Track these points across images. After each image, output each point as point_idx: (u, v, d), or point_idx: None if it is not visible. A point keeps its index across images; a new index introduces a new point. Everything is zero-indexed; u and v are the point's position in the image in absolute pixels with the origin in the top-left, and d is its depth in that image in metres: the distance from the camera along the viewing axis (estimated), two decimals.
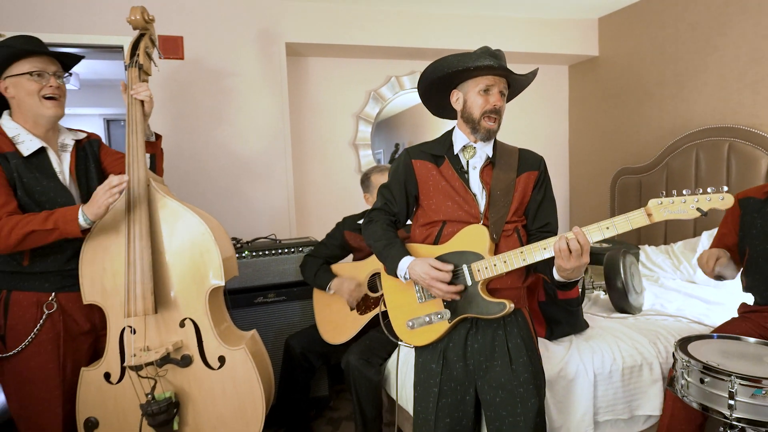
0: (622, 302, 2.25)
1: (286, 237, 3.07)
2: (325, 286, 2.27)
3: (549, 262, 1.44)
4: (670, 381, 1.62)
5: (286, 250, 2.59)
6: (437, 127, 3.59)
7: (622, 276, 2.24)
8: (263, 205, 3.13)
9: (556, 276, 1.44)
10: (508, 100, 1.60)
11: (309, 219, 3.49)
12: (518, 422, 1.49)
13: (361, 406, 2.03)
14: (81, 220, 1.53)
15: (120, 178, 1.51)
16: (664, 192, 1.30)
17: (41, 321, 1.61)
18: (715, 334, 1.65)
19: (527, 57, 3.85)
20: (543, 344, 1.92)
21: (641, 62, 3.41)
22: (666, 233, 3.22)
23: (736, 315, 1.91)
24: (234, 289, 2.46)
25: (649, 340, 1.93)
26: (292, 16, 3.15)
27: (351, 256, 2.46)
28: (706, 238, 2.72)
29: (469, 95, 1.53)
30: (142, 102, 1.71)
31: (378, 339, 2.10)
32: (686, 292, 2.49)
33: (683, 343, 1.58)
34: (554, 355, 1.85)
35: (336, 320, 2.27)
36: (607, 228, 1.32)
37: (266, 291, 2.54)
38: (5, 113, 1.63)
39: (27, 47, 1.58)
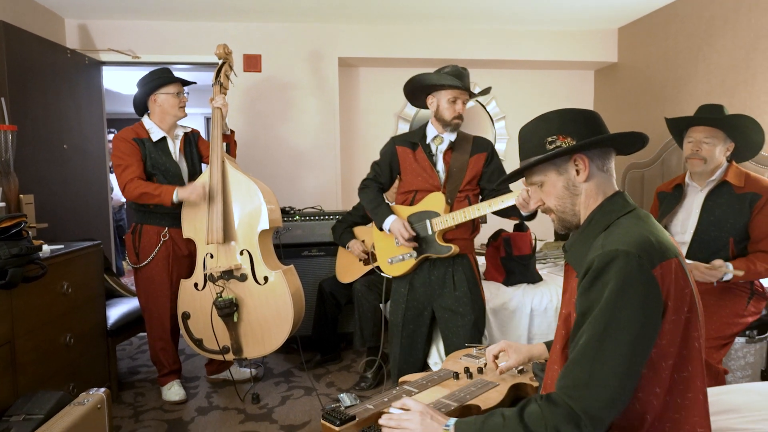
0: None
1: (332, 209, 3.89)
2: (345, 244, 3.06)
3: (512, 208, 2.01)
4: None
5: (327, 217, 3.40)
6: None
7: None
8: (316, 184, 4.00)
9: (523, 213, 1.98)
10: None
11: (355, 196, 4.27)
12: (459, 330, 2.17)
13: (361, 321, 2.79)
14: (174, 197, 2.45)
15: (203, 194, 2.46)
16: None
17: (159, 245, 2.56)
18: None
19: (553, 64, 4.34)
20: (497, 286, 2.55)
21: (650, 68, 3.80)
22: None
23: None
24: (287, 244, 3.30)
25: None
26: (344, 36, 3.96)
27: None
28: None
29: (441, 102, 2.18)
30: (219, 108, 2.61)
31: (380, 276, 2.85)
32: None
33: None
34: (503, 293, 2.48)
35: (347, 266, 3.07)
36: (502, 201, 1.96)
37: (311, 247, 3.37)
38: (146, 115, 2.61)
39: (172, 78, 2.56)
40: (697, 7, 3.32)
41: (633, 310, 0.97)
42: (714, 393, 1.36)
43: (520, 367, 1.46)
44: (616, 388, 0.96)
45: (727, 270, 1.94)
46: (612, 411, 0.97)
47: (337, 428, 1.19)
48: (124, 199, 5.47)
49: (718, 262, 1.96)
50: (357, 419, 1.22)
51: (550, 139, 1.16)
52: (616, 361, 0.96)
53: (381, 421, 1.16)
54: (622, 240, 1.03)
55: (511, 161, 4.49)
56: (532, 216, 2.05)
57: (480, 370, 1.47)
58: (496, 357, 1.47)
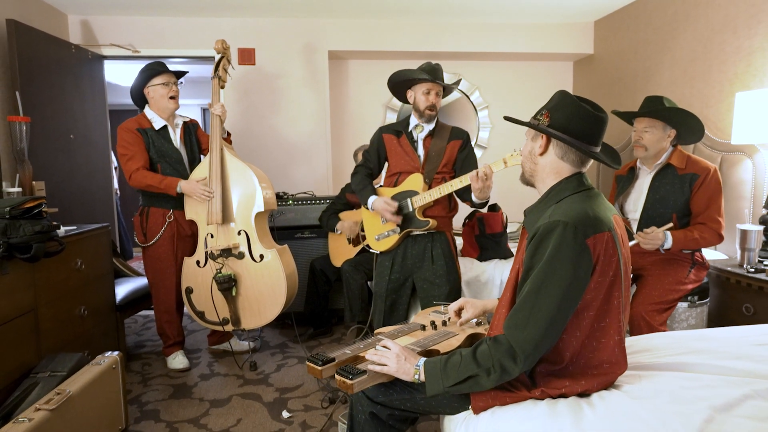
0: None
1: (323, 194, 4.13)
2: (333, 228, 3.31)
3: (469, 192, 2.26)
4: None
5: (319, 202, 3.64)
6: (447, 114, 4.47)
7: None
8: (308, 171, 4.24)
9: (474, 199, 2.27)
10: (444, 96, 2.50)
11: (344, 182, 4.52)
12: (436, 299, 2.42)
13: (350, 299, 3.05)
14: (178, 189, 2.69)
15: (208, 194, 2.68)
16: None
17: (164, 225, 2.80)
18: None
19: (534, 56, 4.56)
20: (472, 261, 2.80)
21: (623, 60, 4.03)
22: None
23: None
24: (281, 227, 3.55)
25: None
26: (334, 30, 4.18)
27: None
28: None
29: (417, 94, 2.43)
30: (219, 115, 2.81)
31: (365, 257, 3.11)
32: None
33: None
34: (477, 267, 2.73)
35: (339, 249, 3.32)
36: (461, 181, 2.20)
37: (303, 229, 3.62)
38: (147, 106, 2.83)
39: (161, 69, 2.76)
40: (662, 2, 3.55)
41: (565, 270, 1.19)
42: (637, 338, 1.61)
43: (479, 320, 1.72)
44: (544, 331, 1.20)
45: (659, 231, 2.19)
46: (540, 348, 1.22)
47: (319, 367, 1.44)
48: (116, 187, 5.66)
49: (650, 228, 2.22)
50: (336, 360, 1.47)
51: (542, 111, 1.34)
52: (547, 309, 1.20)
53: (367, 356, 1.41)
54: (565, 213, 1.23)
55: (494, 149, 4.74)
56: (483, 204, 2.29)
57: (444, 323, 1.72)
58: (457, 312, 1.72)
